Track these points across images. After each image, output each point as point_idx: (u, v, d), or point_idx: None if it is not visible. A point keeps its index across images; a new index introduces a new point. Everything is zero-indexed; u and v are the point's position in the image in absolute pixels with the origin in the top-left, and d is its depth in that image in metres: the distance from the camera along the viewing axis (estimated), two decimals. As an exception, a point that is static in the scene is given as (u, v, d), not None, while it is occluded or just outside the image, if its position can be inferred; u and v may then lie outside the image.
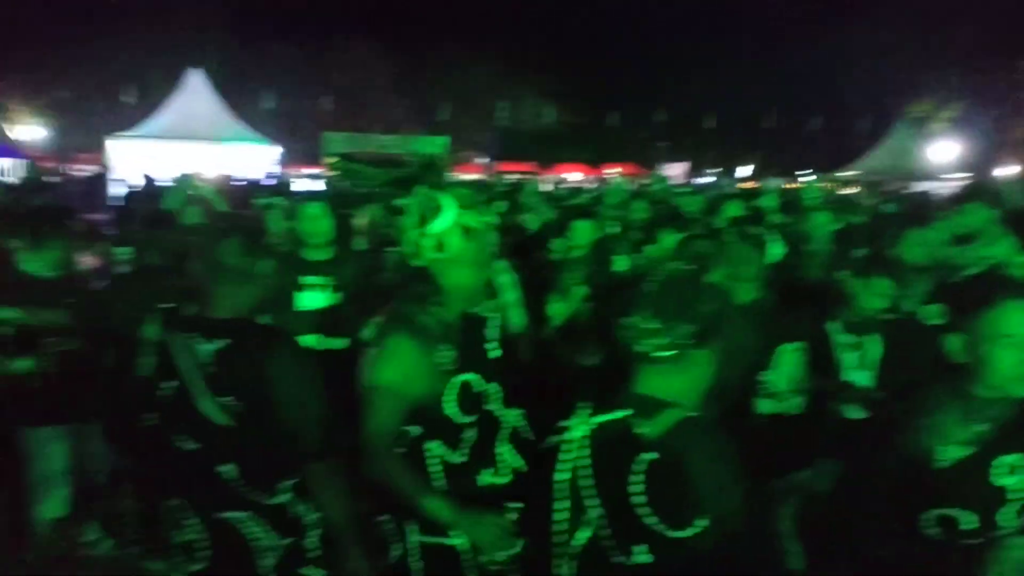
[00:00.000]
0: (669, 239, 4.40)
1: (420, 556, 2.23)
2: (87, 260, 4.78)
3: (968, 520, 1.99)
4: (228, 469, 2.16)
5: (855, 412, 3.40)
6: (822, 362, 3.48)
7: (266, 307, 4.01)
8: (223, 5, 40.76)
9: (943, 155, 30.91)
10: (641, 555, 1.67)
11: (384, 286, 4.43)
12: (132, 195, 11.87)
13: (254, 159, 24.14)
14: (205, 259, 2.24)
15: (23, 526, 3.75)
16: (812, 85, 39.22)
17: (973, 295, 2.08)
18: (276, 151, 27.19)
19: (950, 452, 2.01)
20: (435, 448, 2.25)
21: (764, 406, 2.65)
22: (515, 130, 33.38)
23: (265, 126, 30.71)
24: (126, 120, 27.90)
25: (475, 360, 2.29)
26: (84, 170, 28.96)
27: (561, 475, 1.79)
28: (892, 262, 3.73)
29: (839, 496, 2.29)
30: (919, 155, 30.46)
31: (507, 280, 3.64)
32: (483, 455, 2.30)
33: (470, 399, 2.25)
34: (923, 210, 8.30)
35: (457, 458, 2.26)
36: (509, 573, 2.24)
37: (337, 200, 4.53)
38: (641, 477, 1.64)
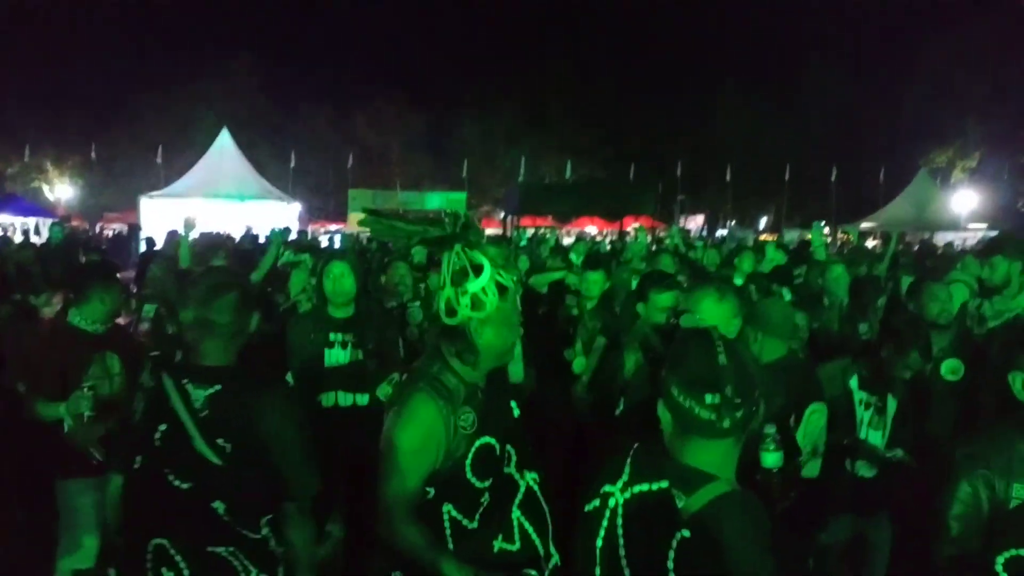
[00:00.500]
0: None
1: None
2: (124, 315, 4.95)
3: None
4: (219, 506, 2.26)
5: (866, 470, 3.41)
6: (843, 420, 3.47)
7: (293, 363, 4.15)
8: (250, 67, 42.09)
9: (963, 204, 30.78)
10: None
11: (407, 342, 4.54)
12: (146, 254, 12.21)
13: (278, 215, 24.64)
14: (194, 313, 2.34)
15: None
16: (832, 135, 39.43)
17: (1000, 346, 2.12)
18: (298, 207, 27.80)
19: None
20: (450, 511, 2.19)
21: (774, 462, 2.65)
22: (532, 185, 33.74)
23: (288, 184, 31.41)
24: (157, 180, 28.67)
25: (496, 422, 2.25)
26: (114, 228, 29.74)
27: (596, 541, 1.75)
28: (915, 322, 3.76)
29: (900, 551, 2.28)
30: (939, 205, 30.36)
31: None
32: (498, 520, 2.24)
33: (488, 462, 2.21)
34: (942, 263, 8.26)
35: (471, 522, 2.20)
36: None
37: (360, 257, 4.66)
38: (676, 553, 1.59)
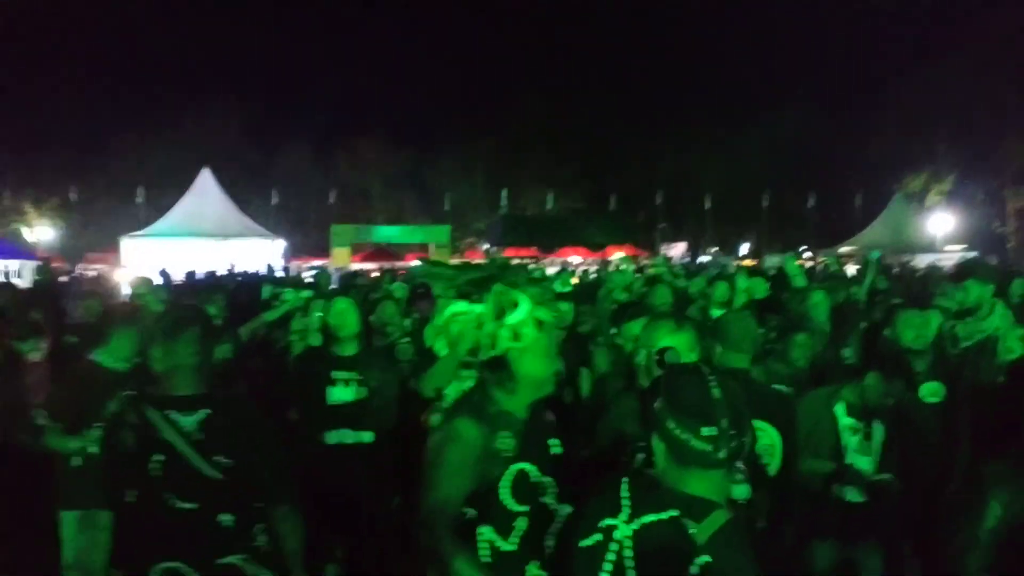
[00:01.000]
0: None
1: None
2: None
3: None
4: (225, 518, 2.47)
5: (854, 495, 3.45)
6: (828, 447, 3.53)
7: (296, 401, 4.16)
8: (229, 107, 42.24)
9: (939, 227, 31.32)
10: None
11: (403, 380, 4.55)
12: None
13: (261, 253, 24.62)
14: (163, 349, 2.56)
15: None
16: (808, 162, 40.05)
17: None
18: (281, 244, 27.78)
19: None
20: (487, 533, 2.32)
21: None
22: (515, 217, 34.01)
23: (271, 221, 31.42)
24: (138, 220, 28.57)
25: (534, 451, 2.39)
26: (95, 269, 29.52)
27: (599, 575, 1.79)
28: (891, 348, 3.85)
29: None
30: (916, 228, 30.89)
31: None
32: (533, 546, 2.35)
33: (525, 488, 2.34)
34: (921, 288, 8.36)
35: (507, 546, 2.32)
36: None
37: (357, 295, 4.70)
38: None
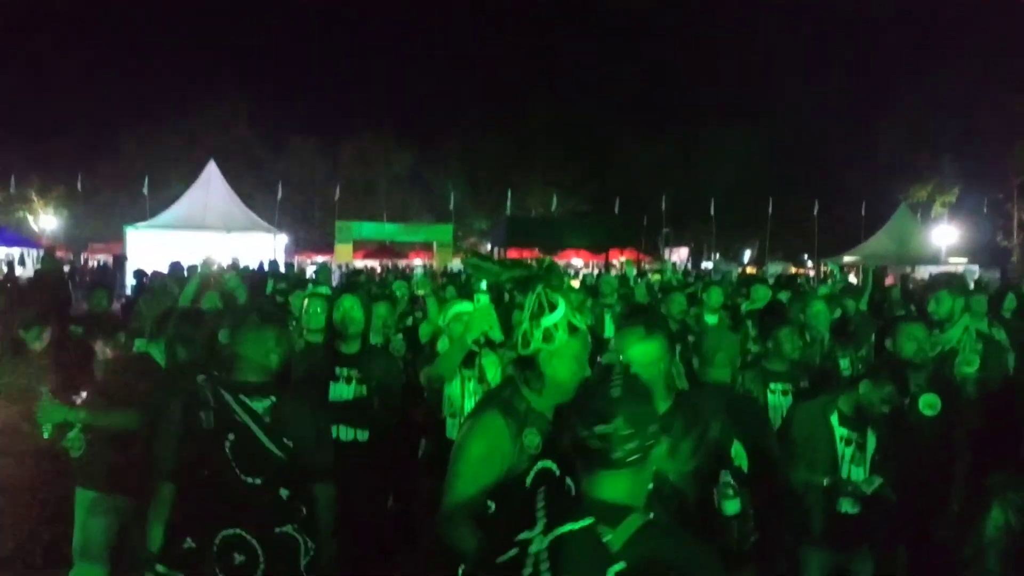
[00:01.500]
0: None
1: None
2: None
3: None
4: (284, 492, 2.79)
5: (849, 506, 3.47)
6: (824, 458, 3.53)
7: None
8: (236, 100, 42.33)
9: (943, 239, 31.30)
10: None
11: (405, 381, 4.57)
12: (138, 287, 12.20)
13: (264, 247, 24.66)
14: (246, 340, 2.84)
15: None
16: (813, 170, 40.05)
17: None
18: (284, 239, 27.84)
19: None
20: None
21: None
22: (519, 218, 34.00)
23: (275, 215, 31.48)
24: (143, 211, 28.64)
25: (560, 453, 2.40)
26: (99, 259, 29.61)
27: None
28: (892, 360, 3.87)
29: None
30: (920, 239, 30.83)
31: None
32: None
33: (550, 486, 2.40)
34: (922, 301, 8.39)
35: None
36: None
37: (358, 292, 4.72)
38: None
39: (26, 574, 4.57)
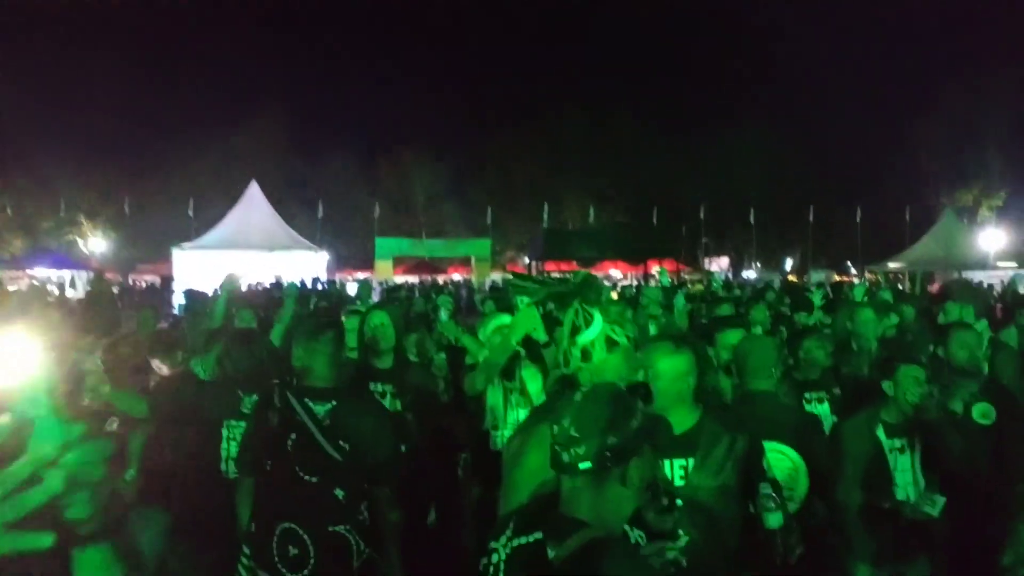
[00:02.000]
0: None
1: None
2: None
3: None
4: (339, 492, 2.89)
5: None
6: (878, 476, 3.45)
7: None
8: (277, 123, 43.14)
9: (991, 243, 30.46)
10: None
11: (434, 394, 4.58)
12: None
13: (306, 265, 25.04)
14: (304, 349, 3.03)
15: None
16: (855, 175, 39.45)
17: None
18: (325, 257, 28.24)
19: None
20: None
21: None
22: (557, 231, 34.01)
23: (316, 233, 31.95)
24: (188, 231, 29.31)
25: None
26: (146, 280, 30.31)
27: None
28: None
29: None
30: (967, 244, 30.05)
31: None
32: None
33: None
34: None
35: None
36: None
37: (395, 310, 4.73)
38: None
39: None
